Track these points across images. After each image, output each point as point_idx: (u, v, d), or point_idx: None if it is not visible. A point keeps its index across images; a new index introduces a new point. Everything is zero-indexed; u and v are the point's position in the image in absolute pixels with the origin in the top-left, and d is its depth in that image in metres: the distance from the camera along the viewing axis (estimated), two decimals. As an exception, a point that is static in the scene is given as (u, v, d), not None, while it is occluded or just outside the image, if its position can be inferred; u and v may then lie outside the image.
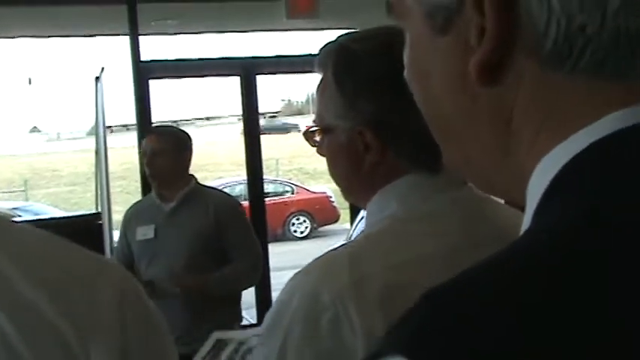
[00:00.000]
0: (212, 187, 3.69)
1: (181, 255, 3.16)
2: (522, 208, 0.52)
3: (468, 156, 0.56)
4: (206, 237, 3.20)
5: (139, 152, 3.66)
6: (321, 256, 1.07)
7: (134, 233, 3.25)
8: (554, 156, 0.47)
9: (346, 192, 1.18)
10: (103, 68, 6.35)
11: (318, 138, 1.15)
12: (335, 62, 1.10)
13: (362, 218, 6.74)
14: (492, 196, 1.14)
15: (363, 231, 1.13)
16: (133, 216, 3.34)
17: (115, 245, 4.22)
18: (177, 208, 3.24)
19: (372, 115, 1.07)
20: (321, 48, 1.14)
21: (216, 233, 3.22)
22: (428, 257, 1.00)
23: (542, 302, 0.40)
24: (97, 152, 6.52)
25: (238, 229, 3.30)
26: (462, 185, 1.09)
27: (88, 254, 0.85)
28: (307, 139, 1.16)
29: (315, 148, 1.18)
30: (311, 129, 1.15)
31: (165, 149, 3.22)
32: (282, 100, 38.18)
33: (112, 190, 6.26)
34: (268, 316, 1.03)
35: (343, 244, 1.13)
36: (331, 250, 1.08)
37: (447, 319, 0.41)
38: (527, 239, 0.46)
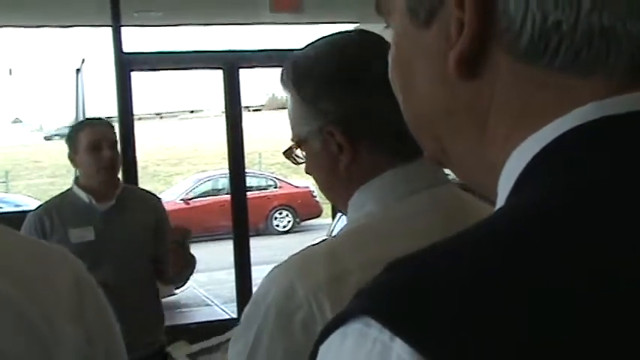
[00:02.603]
0: (132, 186, 3.41)
1: (131, 255, 3.00)
2: (494, 203, 0.53)
3: (447, 149, 0.57)
4: (150, 235, 3.08)
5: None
6: (298, 252, 1.07)
7: (64, 236, 2.88)
8: (526, 146, 0.49)
9: (330, 197, 1.19)
10: (83, 60, 6.32)
11: (298, 154, 1.16)
12: (291, 74, 1.13)
13: (342, 214, 6.73)
14: (474, 195, 1.14)
15: (344, 226, 1.13)
16: (55, 218, 2.95)
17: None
18: (116, 206, 3.01)
19: (336, 114, 1.08)
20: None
21: (156, 231, 3.10)
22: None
23: (492, 265, 0.42)
24: (77, 144, 6.49)
25: (168, 227, 3.17)
26: (443, 182, 1.09)
27: (39, 242, 0.89)
28: (289, 159, 1.19)
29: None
30: (289, 148, 1.17)
31: (115, 142, 3.04)
32: (267, 95, 38.16)
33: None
34: (246, 309, 1.04)
35: (323, 240, 1.13)
36: (309, 246, 1.07)
37: (412, 283, 0.43)
38: (494, 217, 0.48)
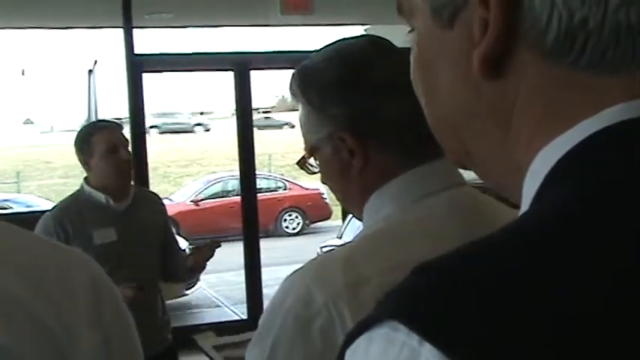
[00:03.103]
0: (138, 187, 3.45)
1: (147, 254, 3.07)
2: (514, 206, 0.53)
3: (469, 149, 0.57)
4: (161, 235, 3.17)
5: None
6: (316, 258, 1.07)
7: (88, 238, 2.91)
8: (554, 147, 0.48)
9: (346, 204, 1.19)
10: (96, 61, 6.35)
11: (311, 162, 1.16)
12: (299, 83, 1.13)
13: (353, 216, 6.72)
14: (492, 197, 1.14)
15: (360, 231, 1.13)
16: (75, 220, 2.95)
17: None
18: (131, 206, 3.06)
19: (345, 118, 1.08)
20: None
21: (164, 231, 3.21)
22: (425, 259, 1.00)
23: (518, 267, 0.42)
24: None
25: (170, 225, 3.31)
26: (459, 183, 1.09)
27: (57, 244, 0.88)
28: (303, 168, 1.19)
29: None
30: (302, 157, 1.17)
31: (127, 144, 3.10)
32: (276, 96, 38.14)
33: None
34: (262, 316, 1.03)
35: (342, 245, 1.12)
36: (327, 252, 1.07)
37: (438, 287, 0.43)
38: (519, 220, 0.47)
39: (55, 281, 0.81)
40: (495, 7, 0.49)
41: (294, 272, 1.04)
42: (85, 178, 3.06)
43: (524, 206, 0.49)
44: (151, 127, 28.86)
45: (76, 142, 3.06)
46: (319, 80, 1.10)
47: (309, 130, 1.13)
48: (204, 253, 3.20)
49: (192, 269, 3.26)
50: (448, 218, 1.05)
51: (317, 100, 1.10)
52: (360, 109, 1.07)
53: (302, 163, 1.18)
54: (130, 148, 3.14)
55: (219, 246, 3.20)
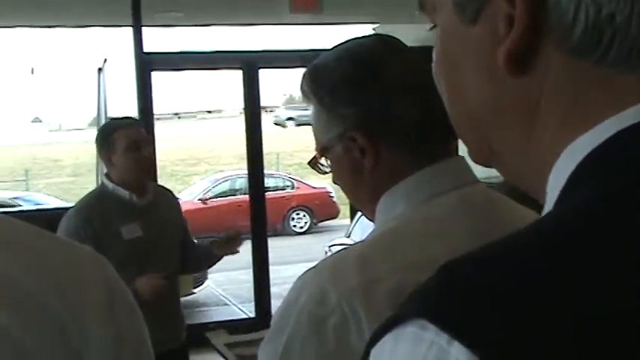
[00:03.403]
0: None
1: (169, 249, 3.14)
2: (532, 201, 0.52)
3: (493, 146, 0.56)
4: (179, 230, 3.24)
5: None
6: (330, 256, 1.06)
7: (116, 234, 2.96)
8: (578, 145, 0.48)
9: (358, 204, 1.18)
10: (105, 59, 6.36)
11: (323, 163, 1.16)
12: (309, 82, 1.13)
13: (362, 215, 6.71)
14: (505, 195, 1.14)
15: (372, 230, 1.13)
16: (102, 217, 2.99)
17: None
18: (153, 202, 3.12)
19: (355, 117, 1.07)
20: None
21: (183, 225, 3.29)
22: (438, 258, 0.99)
23: (547, 274, 0.41)
24: (98, 143, 6.53)
25: (186, 222, 3.37)
26: (471, 182, 1.09)
27: (70, 242, 0.88)
28: (314, 168, 1.18)
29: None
30: (314, 157, 1.17)
31: (149, 141, 3.17)
32: (284, 95, 38.19)
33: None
34: (275, 313, 1.03)
35: (352, 244, 1.12)
36: (339, 251, 1.07)
37: (465, 286, 0.43)
38: (544, 220, 0.47)
39: (70, 278, 0.81)
40: (521, 4, 0.48)
41: (307, 271, 1.04)
42: (107, 175, 3.09)
43: (549, 205, 0.49)
44: (288, 119, 29.36)
45: (97, 138, 3.10)
46: (330, 80, 1.10)
47: (319, 129, 1.13)
48: (233, 245, 3.25)
49: (214, 257, 3.32)
50: (460, 217, 1.05)
51: (328, 99, 1.10)
52: (370, 108, 1.07)
53: (313, 163, 1.18)
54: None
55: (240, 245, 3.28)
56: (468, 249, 0.98)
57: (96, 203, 3.05)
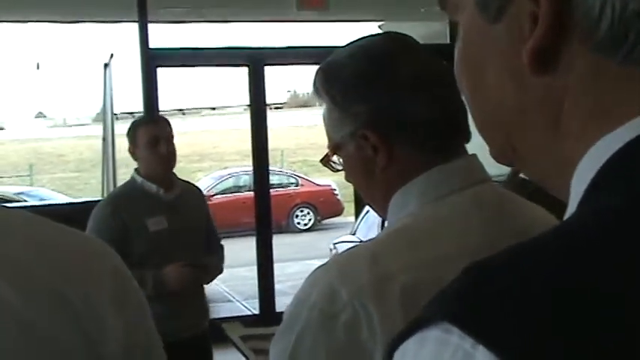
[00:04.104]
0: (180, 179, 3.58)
1: (193, 243, 3.25)
2: (555, 201, 0.51)
3: (515, 146, 0.56)
4: (204, 225, 3.36)
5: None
6: (341, 253, 1.06)
7: (142, 225, 3.11)
8: (602, 145, 0.47)
9: (369, 201, 1.18)
10: (112, 55, 6.37)
11: (335, 160, 1.16)
12: (322, 80, 1.13)
13: (367, 212, 6.74)
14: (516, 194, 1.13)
15: (385, 228, 1.12)
16: (130, 209, 3.14)
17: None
18: (180, 197, 3.25)
19: (368, 115, 1.07)
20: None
21: (207, 222, 3.39)
22: (449, 256, 0.99)
23: (575, 280, 0.41)
24: (104, 139, 6.54)
25: (213, 218, 3.47)
26: (483, 180, 1.09)
27: (79, 233, 0.90)
28: (326, 166, 1.19)
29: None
30: (326, 155, 1.17)
31: (172, 136, 3.27)
32: (288, 92, 38.19)
33: (117, 177, 6.28)
34: (286, 311, 1.03)
35: (357, 241, 1.12)
36: (351, 248, 1.07)
37: (489, 289, 0.42)
38: (568, 223, 0.46)
39: (81, 269, 0.82)
40: (546, 1, 0.48)
41: (318, 268, 1.04)
42: (136, 169, 3.25)
43: (572, 206, 0.49)
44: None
45: (127, 133, 3.28)
46: (342, 78, 1.10)
47: (332, 127, 1.13)
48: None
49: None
50: (472, 215, 1.05)
51: (340, 97, 1.10)
52: (382, 106, 1.07)
53: (325, 161, 1.18)
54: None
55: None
56: (479, 247, 0.98)
57: (125, 195, 3.24)
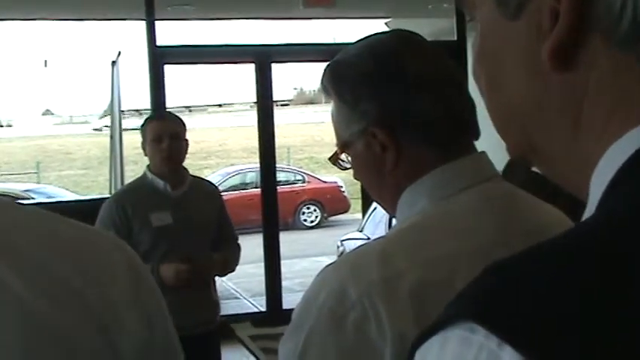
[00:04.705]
0: (195, 176, 3.60)
1: (200, 240, 3.26)
2: (573, 200, 0.51)
3: (534, 143, 0.55)
4: (214, 222, 3.37)
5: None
6: (350, 252, 1.06)
7: (146, 220, 3.17)
8: (623, 143, 0.47)
9: (379, 199, 1.18)
10: (119, 52, 6.38)
11: (343, 158, 1.16)
12: (330, 78, 1.13)
13: (374, 209, 6.73)
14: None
15: (394, 225, 1.12)
16: (135, 203, 3.21)
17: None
18: (188, 194, 3.27)
19: (377, 112, 1.07)
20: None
21: (219, 220, 3.39)
22: (460, 254, 0.99)
23: (602, 281, 0.40)
24: (111, 136, 6.56)
25: (228, 216, 3.49)
26: (493, 178, 1.09)
27: (91, 228, 0.90)
28: (335, 164, 1.19)
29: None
30: (334, 153, 1.17)
31: (181, 134, 3.28)
32: (295, 89, 38.13)
33: (125, 174, 6.29)
34: (295, 310, 1.03)
35: (365, 238, 1.12)
36: (360, 246, 1.07)
37: (514, 289, 0.42)
38: (589, 223, 0.46)
39: (95, 264, 0.82)
40: None
41: (327, 266, 1.04)
42: (148, 166, 3.31)
43: (591, 205, 0.48)
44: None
45: (140, 129, 3.36)
46: (350, 76, 1.10)
47: (340, 125, 1.13)
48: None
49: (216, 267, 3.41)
50: (482, 212, 1.04)
51: (348, 95, 1.10)
52: (391, 104, 1.07)
53: (334, 159, 1.18)
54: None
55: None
56: (489, 245, 0.98)
57: (132, 191, 3.35)
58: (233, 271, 3.52)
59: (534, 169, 0.60)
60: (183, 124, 3.34)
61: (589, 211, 0.48)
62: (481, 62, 0.58)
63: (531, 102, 0.53)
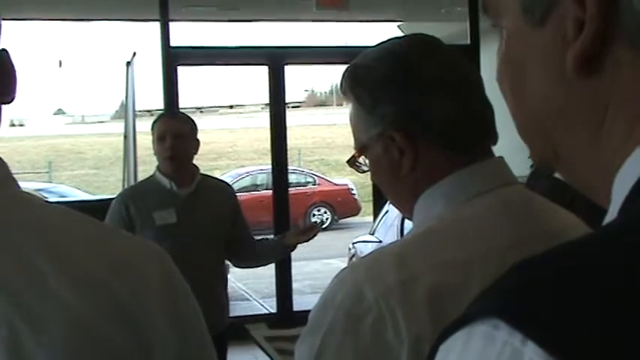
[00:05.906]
0: (208, 175, 3.61)
1: (207, 240, 3.24)
2: (595, 207, 0.51)
3: (557, 150, 0.56)
4: (226, 223, 3.34)
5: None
6: (368, 254, 1.07)
7: (148, 218, 3.16)
8: None
9: (396, 203, 1.18)
10: (134, 53, 6.40)
11: (361, 162, 1.17)
12: (349, 81, 1.14)
13: (386, 212, 6.71)
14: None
15: (411, 229, 1.13)
16: (138, 202, 3.21)
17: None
18: (195, 193, 3.25)
19: (395, 116, 1.08)
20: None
21: (232, 220, 3.37)
22: (476, 258, 1.00)
23: (625, 281, 0.41)
24: (125, 136, 6.58)
25: (243, 216, 3.47)
26: (510, 182, 1.09)
27: (125, 232, 0.90)
28: (353, 167, 1.20)
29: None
30: (352, 156, 1.18)
31: (187, 133, 3.27)
32: (306, 91, 38.12)
33: (138, 175, 6.31)
34: (312, 312, 1.03)
35: (392, 243, 1.12)
36: (377, 249, 1.08)
37: (539, 287, 0.42)
38: (614, 225, 0.46)
39: (132, 267, 0.81)
40: (592, 7, 0.48)
41: (344, 268, 1.04)
42: (157, 166, 3.31)
43: (613, 210, 0.49)
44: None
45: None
46: (369, 79, 1.11)
47: (359, 128, 1.14)
48: (309, 234, 3.43)
49: (281, 249, 3.53)
50: (499, 217, 1.05)
51: (367, 99, 1.11)
52: (409, 108, 1.07)
53: (352, 162, 1.18)
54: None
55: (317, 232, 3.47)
56: (506, 249, 0.99)
57: (138, 189, 3.38)
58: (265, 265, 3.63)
59: (556, 175, 0.60)
60: (193, 124, 3.33)
61: (611, 215, 0.49)
62: (505, 68, 0.58)
63: (554, 108, 0.54)
